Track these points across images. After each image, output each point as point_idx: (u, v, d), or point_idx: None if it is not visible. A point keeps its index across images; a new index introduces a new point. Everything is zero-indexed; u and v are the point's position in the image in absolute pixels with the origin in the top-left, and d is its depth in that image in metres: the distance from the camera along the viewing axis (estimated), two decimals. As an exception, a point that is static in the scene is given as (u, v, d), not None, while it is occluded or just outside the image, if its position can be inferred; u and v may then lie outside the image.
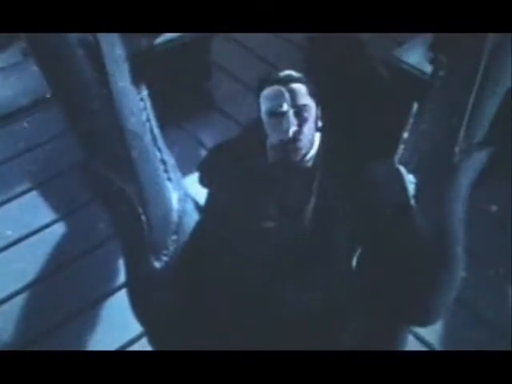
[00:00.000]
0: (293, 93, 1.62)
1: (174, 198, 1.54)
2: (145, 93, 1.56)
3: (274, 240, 1.56)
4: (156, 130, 1.54)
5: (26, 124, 3.61)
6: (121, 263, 2.91)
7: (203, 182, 1.77)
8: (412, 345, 2.50)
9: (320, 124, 1.67)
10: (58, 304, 2.78)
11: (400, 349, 1.74)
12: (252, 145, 1.69)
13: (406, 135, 1.70)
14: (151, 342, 1.73)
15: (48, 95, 3.60)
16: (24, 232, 3.05)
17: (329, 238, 1.56)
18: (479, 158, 1.56)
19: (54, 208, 3.21)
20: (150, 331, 1.66)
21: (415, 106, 1.73)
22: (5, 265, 2.91)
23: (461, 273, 1.56)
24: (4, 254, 2.97)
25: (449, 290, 1.56)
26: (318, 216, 1.57)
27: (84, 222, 3.13)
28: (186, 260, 1.51)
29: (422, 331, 2.57)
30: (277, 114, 1.61)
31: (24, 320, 2.76)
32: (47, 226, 3.11)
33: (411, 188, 1.56)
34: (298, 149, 1.60)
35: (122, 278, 2.86)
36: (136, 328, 2.55)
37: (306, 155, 1.63)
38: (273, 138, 1.62)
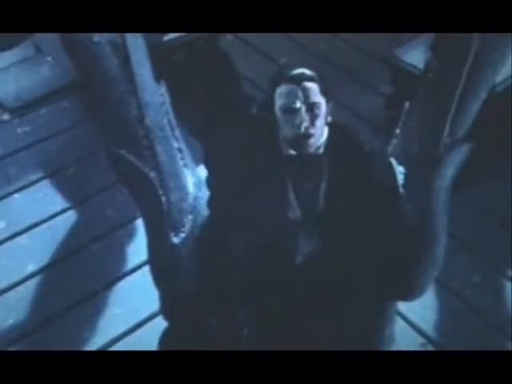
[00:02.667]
0: (305, 91, 1.78)
1: (190, 182, 1.78)
2: (164, 88, 1.80)
3: (290, 224, 1.80)
4: (174, 122, 1.78)
5: (40, 115, 3.84)
6: (128, 250, 3.18)
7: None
8: (410, 336, 2.76)
9: (329, 119, 1.87)
10: (67, 288, 2.99)
11: (389, 324, 1.97)
12: (264, 139, 1.90)
13: (397, 131, 1.95)
14: (167, 315, 1.96)
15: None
16: (37, 219, 3.28)
17: (338, 221, 1.80)
18: (461, 153, 1.80)
19: (66, 196, 3.43)
20: (168, 301, 1.89)
21: (407, 104, 1.98)
22: (17, 250, 3.14)
23: (442, 253, 1.80)
24: (17, 239, 3.19)
25: (431, 269, 1.81)
26: (329, 201, 1.81)
27: (94, 211, 3.35)
28: (200, 236, 1.76)
29: (419, 322, 2.81)
30: (290, 110, 1.77)
31: (35, 303, 2.95)
32: (59, 213, 3.33)
33: (400, 178, 1.80)
34: (309, 142, 1.80)
35: (130, 264, 3.09)
36: (144, 311, 2.84)
37: (316, 147, 1.83)
38: (286, 132, 1.81)
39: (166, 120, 1.76)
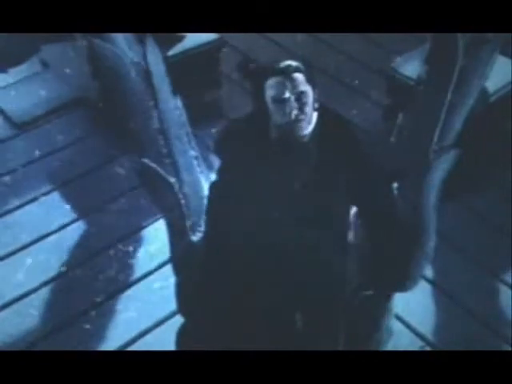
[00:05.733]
0: (293, 81, 1.96)
1: (206, 187, 2.08)
2: (180, 102, 2.10)
3: (279, 203, 2.00)
4: (190, 133, 2.08)
5: (47, 129, 4.15)
6: (133, 262, 3.40)
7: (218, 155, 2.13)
8: (409, 339, 3.00)
9: (317, 105, 2.07)
10: (75, 299, 3.22)
11: (385, 316, 2.24)
12: (256, 125, 2.09)
13: (392, 139, 2.24)
14: (184, 311, 2.23)
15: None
16: (45, 231, 3.53)
17: (326, 199, 2.02)
18: (449, 158, 2.10)
19: (72, 209, 3.70)
20: (186, 297, 2.16)
21: (400, 116, 2.28)
22: (25, 262, 3.39)
23: (432, 249, 2.09)
24: (24, 251, 3.44)
25: (421, 263, 2.10)
26: (315, 182, 2.02)
27: (101, 222, 3.61)
28: (214, 233, 2.04)
29: (415, 323, 3.05)
30: (280, 100, 1.97)
31: (45, 312, 3.19)
32: (67, 224, 3.59)
33: (394, 182, 2.09)
34: (299, 128, 2.00)
35: (134, 276, 3.34)
36: (149, 319, 3.09)
37: (304, 132, 2.03)
38: (277, 120, 2.00)
39: (183, 131, 2.06)
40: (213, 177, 2.11)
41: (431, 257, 2.11)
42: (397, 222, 2.01)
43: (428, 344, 2.99)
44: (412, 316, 3.06)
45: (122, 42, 2.03)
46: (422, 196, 2.05)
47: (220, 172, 2.08)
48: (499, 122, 3.87)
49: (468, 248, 3.39)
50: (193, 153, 2.06)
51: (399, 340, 2.70)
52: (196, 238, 1.98)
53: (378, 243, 2.02)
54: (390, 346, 2.36)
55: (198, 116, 3.88)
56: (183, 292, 2.15)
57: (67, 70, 4.30)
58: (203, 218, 2.02)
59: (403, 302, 2.67)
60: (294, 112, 1.97)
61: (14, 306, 3.18)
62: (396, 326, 2.57)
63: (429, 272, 3.22)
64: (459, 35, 2.08)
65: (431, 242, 2.07)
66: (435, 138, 2.08)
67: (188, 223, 1.99)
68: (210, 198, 2.07)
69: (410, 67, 3.72)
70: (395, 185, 2.10)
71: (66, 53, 4.19)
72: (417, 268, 2.09)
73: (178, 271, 2.11)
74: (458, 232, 3.44)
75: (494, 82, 3.52)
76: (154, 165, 1.98)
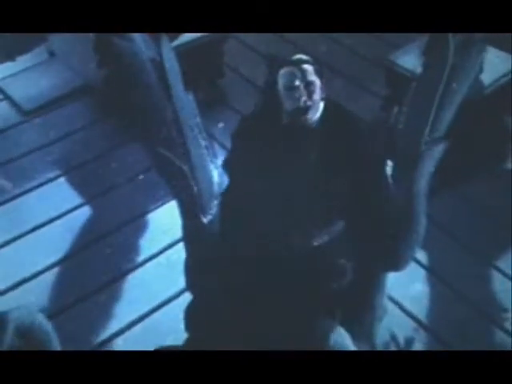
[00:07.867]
0: (303, 72, 2.27)
1: (215, 174, 2.32)
2: (191, 96, 2.34)
3: (286, 181, 2.27)
4: (200, 124, 2.32)
5: (54, 116, 4.37)
6: (139, 244, 3.61)
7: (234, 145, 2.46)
8: (403, 322, 3.19)
9: (323, 95, 2.36)
10: (84, 279, 3.42)
11: (380, 294, 2.48)
12: (270, 112, 2.38)
13: (388, 130, 2.47)
14: (192, 288, 2.46)
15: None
16: (54, 214, 3.75)
17: (328, 182, 2.26)
18: (439, 149, 2.33)
19: (80, 193, 3.92)
20: (195, 275, 2.39)
21: (396, 108, 2.51)
22: (35, 243, 3.59)
23: (423, 232, 2.33)
24: (35, 233, 3.65)
25: (413, 244, 2.34)
26: (319, 165, 2.28)
27: (106, 207, 3.83)
28: (223, 216, 2.30)
29: (409, 306, 3.25)
30: (291, 88, 2.27)
31: (52, 293, 3.38)
32: (73, 209, 3.81)
33: (389, 169, 2.33)
34: (307, 114, 2.28)
35: (140, 257, 3.54)
36: (154, 300, 3.30)
37: (312, 119, 2.32)
38: (288, 106, 2.30)
39: (194, 122, 2.29)
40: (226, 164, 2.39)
41: (421, 239, 2.34)
42: (389, 206, 2.25)
43: (421, 326, 3.19)
44: (406, 299, 3.26)
45: (138, 39, 2.25)
46: (414, 183, 2.28)
47: (236, 158, 2.37)
48: (498, 112, 4.11)
49: (464, 236, 3.59)
50: (203, 142, 2.31)
51: (393, 320, 2.89)
52: (206, 220, 2.22)
53: (371, 224, 2.26)
54: (384, 324, 2.57)
55: (202, 106, 4.17)
56: (193, 270, 2.38)
57: (73, 59, 4.51)
58: (213, 202, 2.27)
59: (398, 286, 2.89)
60: (303, 98, 2.26)
61: (25, 286, 3.36)
62: (390, 307, 2.74)
63: (425, 258, 3.44)
64: (450, 36, 2.31)
65: (421, 226, 2.31)
66: (427, 130, 2.32)
67: (199, 206, 2.23)
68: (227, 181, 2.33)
69: (408, 59, 3.94)
70: (389, 172, 2.34)
71: (72, 42, 4.39)
72: (409, 249, 2.33)
73: (188, 251, 2.35)
74: (454, 220, 3.66)
75: (489, 74, 3.77)
76: (168, 153, 2.22)
